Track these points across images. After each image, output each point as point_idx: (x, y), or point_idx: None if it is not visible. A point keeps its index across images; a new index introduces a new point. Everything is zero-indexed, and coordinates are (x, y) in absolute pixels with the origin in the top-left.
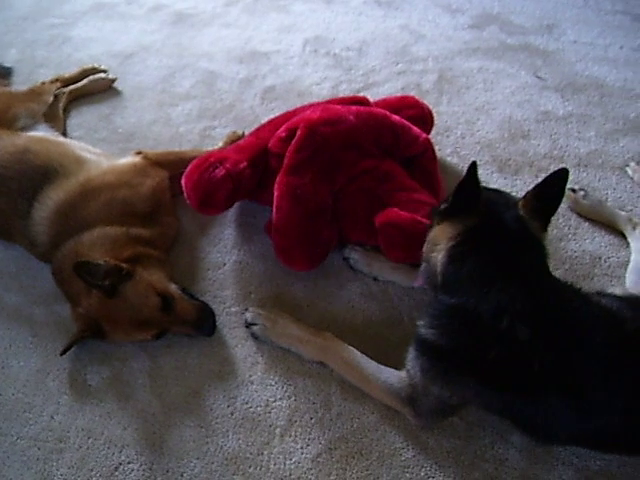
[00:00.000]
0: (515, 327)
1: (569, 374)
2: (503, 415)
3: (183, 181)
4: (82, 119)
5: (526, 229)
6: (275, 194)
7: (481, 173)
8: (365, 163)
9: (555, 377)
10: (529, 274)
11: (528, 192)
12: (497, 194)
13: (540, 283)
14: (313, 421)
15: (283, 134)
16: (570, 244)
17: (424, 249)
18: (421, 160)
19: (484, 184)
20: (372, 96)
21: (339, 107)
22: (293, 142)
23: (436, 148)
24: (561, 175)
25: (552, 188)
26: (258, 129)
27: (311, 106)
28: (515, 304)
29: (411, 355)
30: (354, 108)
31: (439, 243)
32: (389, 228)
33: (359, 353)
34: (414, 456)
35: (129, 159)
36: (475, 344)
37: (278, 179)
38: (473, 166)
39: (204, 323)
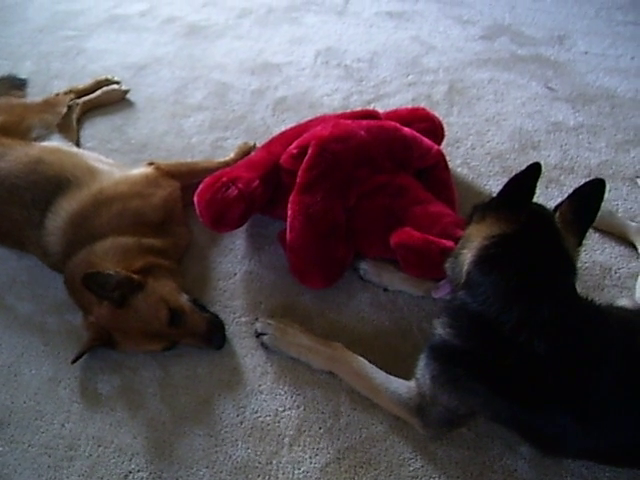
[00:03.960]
0: (533, 341)
1: (581, 390)
2: (511, 426)
3: (195, 199)
4: (95, 130)
5: (561, 246)
6: (288, 213)
7: (491, 184)
8: (378, 178)
9: (567, 393)
10: (555, 292)
11: (563, 204)
12: (538, 206)
13: (564, 302)
14: (322, 431)
15: (295, 151)
16: (580, 255)
17: (458, 244)
18: (434, 172)
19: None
20: (383, 107)
21: (349, 122)
22: (304, 160)
23: (446, 159)
24: (596, 186)
25: (587, 200)
26: (269, 143)
27: (322, 120)
28: (536, 320)
29: (422, 362)
30: (365, 123)
31: (473, 241)
32: (402, 249)
33: (368, 363)
34: (422, 466)
35: (141, 170)
36: (490, 350)
37: (291, 198)
38: (537, 165)
39: (214, 336)
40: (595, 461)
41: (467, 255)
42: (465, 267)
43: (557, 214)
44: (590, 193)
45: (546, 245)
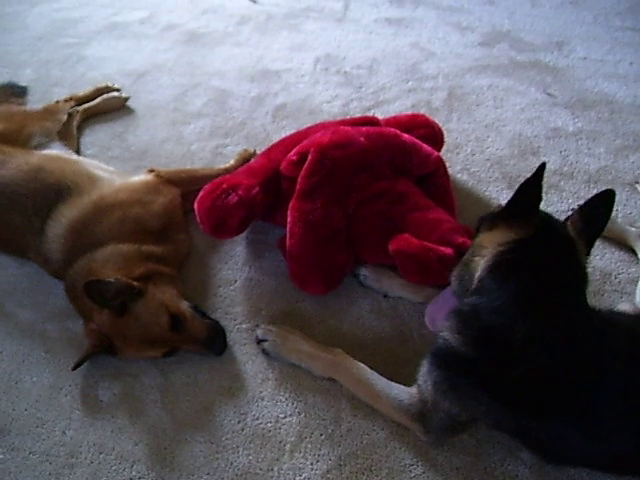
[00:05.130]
0: (542, 352)
1: (584, 399)
2: (513, 434)
3: (196, 206)
4: (95, 137)
5: (575, 254)
6: (288, 220)
7: (491, 190)
8: (378, 185)
9: (570, 402)
10: (568, 304)
11: (574, 213)
12: (544, 213)
13: (576, 313)
14: (323, 437)
15: (294, 157)
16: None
17: (466, 254)
18: (434, 178)
19: (495, 201)
20: (382, 114)
21: (349, 129)
22: (304, 167)
23: (446, 165)
24: (607, 197)
25: (597, 210)
26: (269, 149)
27: (322, 127)
28: (547, 332)
29: (424, 368)
30: (364, 129)
31: (486, 247)
32: (400, 256)
33: (369, 369)
34: (424, 472)
35: (141, 177)
36: (497, 359)
37: (291, 204)
38: (541, 167)
39: (214, 342)
40: (597, 469)
41: (480, 262)
42: (478, 273)
43: (568, 223)
44: (600, 203)
45: (562, 252)
